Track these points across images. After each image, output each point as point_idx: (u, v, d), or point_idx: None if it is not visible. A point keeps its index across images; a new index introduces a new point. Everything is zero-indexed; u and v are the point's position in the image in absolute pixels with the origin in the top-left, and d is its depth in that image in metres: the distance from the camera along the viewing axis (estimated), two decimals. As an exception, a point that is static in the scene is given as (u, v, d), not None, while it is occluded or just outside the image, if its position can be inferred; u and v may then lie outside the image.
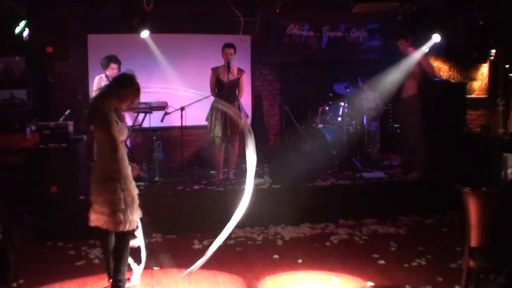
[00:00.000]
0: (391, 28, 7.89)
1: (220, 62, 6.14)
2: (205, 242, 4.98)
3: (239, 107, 6.22)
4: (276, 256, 4.55)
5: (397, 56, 6.55)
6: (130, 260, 3.80)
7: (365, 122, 7.27)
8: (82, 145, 5.93)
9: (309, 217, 5.55)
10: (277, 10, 7.49)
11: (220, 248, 4.82)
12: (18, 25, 6.51)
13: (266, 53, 8.08)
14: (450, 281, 3.86)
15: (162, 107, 6.31)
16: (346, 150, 7.01)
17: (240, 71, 6.21)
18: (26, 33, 6.64)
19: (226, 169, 6.34)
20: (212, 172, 6.64)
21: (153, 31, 6.84)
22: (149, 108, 6.05)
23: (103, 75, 6.33)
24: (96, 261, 4.52)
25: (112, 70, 6.29)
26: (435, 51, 7.45)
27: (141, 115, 6.14)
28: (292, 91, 8.03)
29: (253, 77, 8.02)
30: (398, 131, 7.27)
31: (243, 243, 4.96)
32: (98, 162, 3.72)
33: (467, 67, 8.85)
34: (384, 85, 7.03)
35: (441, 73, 8.69)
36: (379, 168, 6.93)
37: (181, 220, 5.38)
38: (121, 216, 3.59)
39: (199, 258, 4.50)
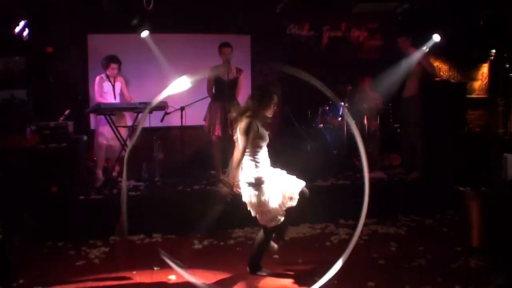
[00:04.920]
0: (391, 28, 7.89)
1: (220, 61, 6.14)
2: (205, 242, 4.98)
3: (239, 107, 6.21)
4: (276, 256, 4.54)
5: (397, 56, 6.55)
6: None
7: (365, 122, 7.26)
8: (82, 145, 5.94)
9: (309, 217, 5.55)
10: (277, 10, 7.51)
11: (219, 248, 4.87)
12: (18, 25, 6.52)
13: (266, 53, 8.08)
14: (450, 281, 3.86)
15: (162, 107, 6.30)
16: (346, 150, 7.00)
17: (239, 70, 6.21)
18: (26, 33, 6.65)
19: (226, 169, 6.33)
20: (212, 172, 6.64)
21: (153, 31, 6.85)
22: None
23: (103, 75, 6.33)
24: (96, 261, 4.52)
25: (113, 70, 6.29)
26: (435, 51, 7.45)
27: (141, 115, 6.13)
28: (292, 91, 8.03)
29: (253, 77, 8.02)
30: (399, 131, 7.27)
31: (243, 243, 4.96)
32: None
33: (467, 67, 8.86)
34: (385, 85, 7.03)
35: (441, 73, 8.69)
36: (379, 168, 6.93)
37: (181, 220, 5.38)
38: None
39: (199, 258, 4.53)
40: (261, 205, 3.82)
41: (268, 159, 4.00)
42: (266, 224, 3.92)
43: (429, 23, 7.10)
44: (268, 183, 3.84)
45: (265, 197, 3.81)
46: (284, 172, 4.05)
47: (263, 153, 3.96)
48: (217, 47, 6.19)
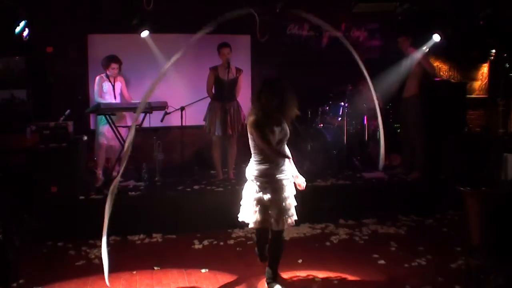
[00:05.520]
0: (391, 28, 7.89)
1: (219, 62, 6.15)
2: (205, 242, 4.98)
3: (238, 107, 6.22)
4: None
5: (397, 56, 6.55)
6: None
7: (365, 122, 7.26)
8: (82, 145, 5.93)
9: (309, 217, 5.54)
10: (277, 10, 7.49)
11: (219, 248, 4.87)
12: (18, 25, 6.52)
13: (266, 53, 8.08)
14: (450, 281, 3.86)
15: (162, 107, 6.31)
16: (346, 150, 7.01)
17: (239, 70, 6.21)
18: (26, 33, 6.65)
19: (226, 169, 6.34)
20: (212, 172, 6.64)
21: (153, 31, 6.85)
22: (149, 108, 6.05)
23: (103, 75, 6.34)
24: (96, 261, 4.51)
25: (113, 70, 6.29)
26: (435, 51, 7.45)
27: (141, 115, 6.13)
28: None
29: (253, 77, 8.02)
30: (399, 131, 7.27)
31: (243, 243, 4.96)
32: None
33: (467, 67, 8.85)
34: (384, 85, 7.03)
35: (441, 73, 8.68)
36: (379, 168, 6.92)
37: (181, 220, 5.38)
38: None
39: (199, 258, 4.53)
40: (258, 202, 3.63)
41: (284, 161, 3.68)
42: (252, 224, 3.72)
43: (429, 23, 7.09)
44: (277, 183, 3.59)
45: (267, 196, 3.59)
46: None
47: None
48: (216, 47, 6.20)
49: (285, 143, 3.77)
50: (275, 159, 3.63)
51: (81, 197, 5.39)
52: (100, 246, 4.86)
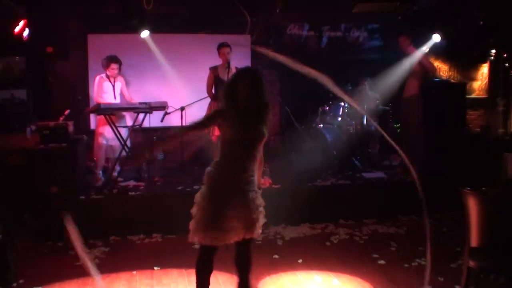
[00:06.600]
0: (391, 28, 7.90)
1: (219, 62, 6.15)
2: (205, 242, 4.98)
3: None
4: (276, 256, 4.55)
5: (397, 56, 6.55)
6: None
7: (365, 122, 7.26)
8: (82, 145, 5.93)
9: (309, 217, 5.55)
10: (277, 10, 7.50)
11: (219, 248, 4.85)
12: (18, 25, 6.52)
13: (266, 53, 8.08)
14: (450, 281, 3.86)
15: (162, 107, 6.30)
16: (346, 150, 7.00)
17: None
18: (26, 33, 6.65)
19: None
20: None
21: (153, 31, 6.85)
22: (149, 108, 6.04)
23: (103, 75, 6.33)
24: (96, 261, 4.51)
25: (113, 70, 6.28)
26: (435, 51, 7.46)
27: (141, 115, 6.13)
28: (292, 91, 8.03)
29: (253, 77, 8.01)
30: (399, 131, 7.27)
31: (243, 243, 4.96)
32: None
33: (467, 67, 8.85)
34: (384, 85, 7.04)
35: (441, 73, 8.69)
36: (379, 168, 6.93)
37: (181, 220, 5.36)
38: None
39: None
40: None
41: (239, 164, 3.09)
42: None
43: (429, 23, 7.10)
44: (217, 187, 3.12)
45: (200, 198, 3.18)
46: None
47: (228, 150, 3.12)
48: (216, 47, 6.20)
49: (255, 147, 3.12)
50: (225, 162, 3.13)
51: (81, 197, 5.39)
52: (100, 246, 4.90)
